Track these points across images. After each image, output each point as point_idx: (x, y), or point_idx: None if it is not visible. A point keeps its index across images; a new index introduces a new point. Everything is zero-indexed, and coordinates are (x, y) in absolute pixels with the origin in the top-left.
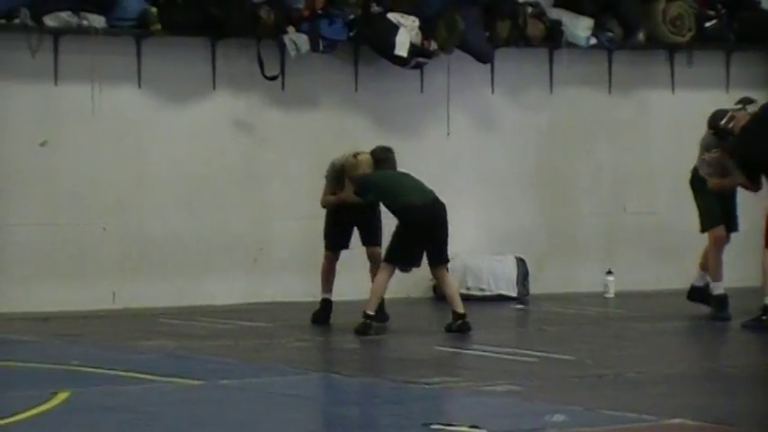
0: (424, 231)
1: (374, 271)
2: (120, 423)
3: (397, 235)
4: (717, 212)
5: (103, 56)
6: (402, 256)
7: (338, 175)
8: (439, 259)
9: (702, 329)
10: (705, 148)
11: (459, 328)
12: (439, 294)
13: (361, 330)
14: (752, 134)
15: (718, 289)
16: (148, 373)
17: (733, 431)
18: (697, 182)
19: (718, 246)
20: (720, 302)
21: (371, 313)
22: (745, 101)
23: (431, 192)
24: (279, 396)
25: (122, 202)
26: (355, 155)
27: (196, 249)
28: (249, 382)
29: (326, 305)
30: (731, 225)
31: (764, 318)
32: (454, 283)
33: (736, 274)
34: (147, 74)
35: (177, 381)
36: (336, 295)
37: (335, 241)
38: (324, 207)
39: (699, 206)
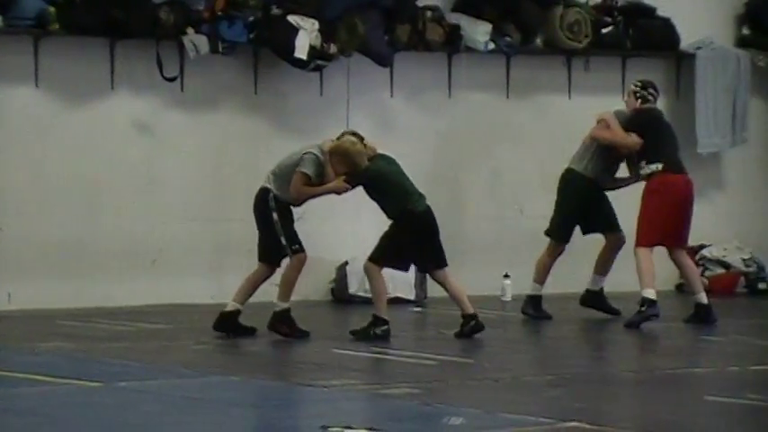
0: (423, 238)
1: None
2: (17, 426)
3: (391, 237)
4: (570, 230)
5: (0, 55)
6: (394, 259)
7: (323, 163)
8: (440, 263)
9: (599, 333)
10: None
11: (472, 331)
12: (338, 297)
13: (383, 336)
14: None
15: (535, 290)
16: (46, 374)
17: None
18: (565, 188)
19: (552, 257)
20: (536, 303)
21: (387, 318)
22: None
23: (424, 196)
24: (178, 398)
25: (20, 202)
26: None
27: (95, 251)
28: (148, 384)
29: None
30: (613, 228)
31: (643, 309)
32: (460, 285)
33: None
34: (44, 73)
35: (75, 383)
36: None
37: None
38: (297, 199)
39: (559, 213)
